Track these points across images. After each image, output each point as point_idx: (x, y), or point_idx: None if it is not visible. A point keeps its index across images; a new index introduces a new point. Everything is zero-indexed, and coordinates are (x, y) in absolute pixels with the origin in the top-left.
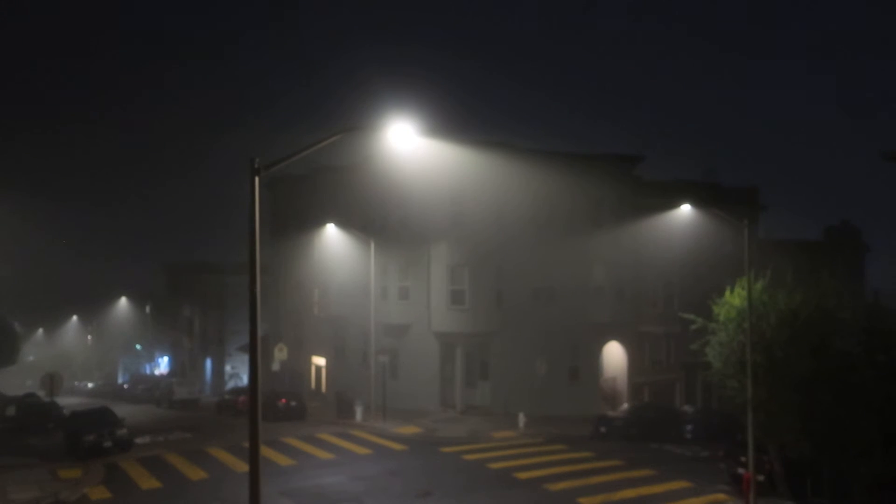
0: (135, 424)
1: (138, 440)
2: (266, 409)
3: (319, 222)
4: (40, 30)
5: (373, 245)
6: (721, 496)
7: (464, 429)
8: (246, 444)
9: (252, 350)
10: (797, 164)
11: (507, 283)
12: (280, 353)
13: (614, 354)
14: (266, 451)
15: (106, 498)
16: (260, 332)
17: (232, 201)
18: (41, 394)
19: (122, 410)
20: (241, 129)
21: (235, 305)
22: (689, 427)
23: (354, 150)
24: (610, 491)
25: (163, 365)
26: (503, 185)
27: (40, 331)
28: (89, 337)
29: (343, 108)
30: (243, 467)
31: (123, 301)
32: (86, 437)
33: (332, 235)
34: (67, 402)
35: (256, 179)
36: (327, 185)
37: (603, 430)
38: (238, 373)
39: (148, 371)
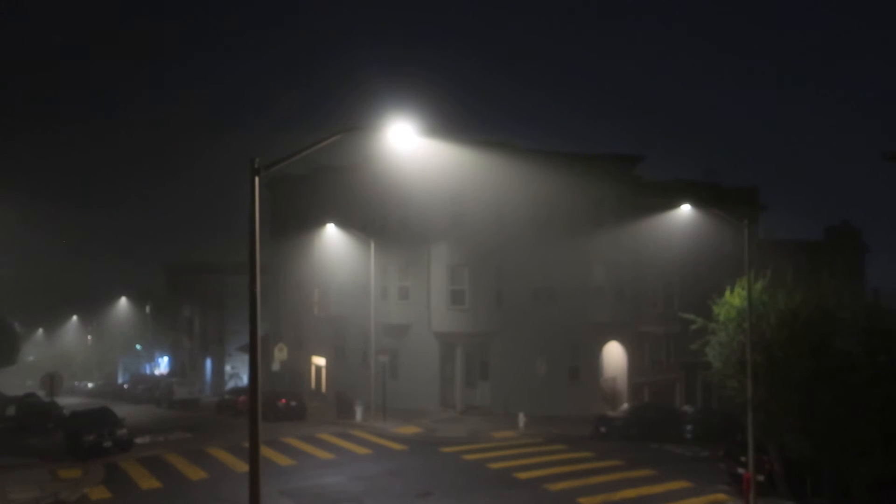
0: (135, 424)
1: (138, 440)
2: (266, 409)
3: (319, 222)
4: (40, 30)
5: (373, 245)
6: (721, 496)
7: (464, 429)
8: (246, 444)
9: (252, 350)
10: (797, 164)
11: (507, 283)
12: (280, 353)
13: (614, 354)
14: (266, 451)
15: (106, 498)
16: (260, 332)
17: (232, 201)
18: (41, 394)
19: (122, 410)
20: (241, 129)
21: (235, 305)
22: (689, 427)
23: (354, 150)
24: (610, 491)
25: (163, 365)
26: (503, 185)
27: (40, 331)
28: (89, 337)
29: (343, 108)
30: (243, 467)
31: (123, 301)
32: (86, 437)
33: (331, 235)
34: (67, 402)
35: (256, 179)
36: (327, 185)
37: (603, 430)
38: (238, 373)
39: (148, 371)
